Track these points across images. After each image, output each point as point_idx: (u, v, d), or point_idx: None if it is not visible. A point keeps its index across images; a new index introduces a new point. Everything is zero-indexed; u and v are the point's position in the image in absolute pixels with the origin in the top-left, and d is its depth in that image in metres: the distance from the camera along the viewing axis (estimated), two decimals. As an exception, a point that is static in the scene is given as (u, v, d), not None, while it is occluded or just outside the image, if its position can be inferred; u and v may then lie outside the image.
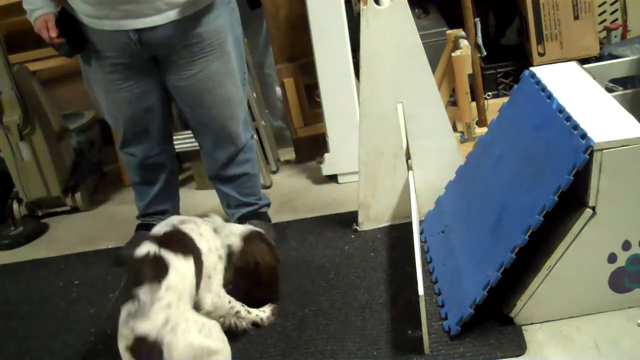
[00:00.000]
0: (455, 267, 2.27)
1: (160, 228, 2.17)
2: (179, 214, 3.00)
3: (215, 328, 2.02)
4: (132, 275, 2.02)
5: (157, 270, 1.98)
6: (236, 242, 2.29)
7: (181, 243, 2.09)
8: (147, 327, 1.88)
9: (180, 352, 1.89)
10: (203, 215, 2.32)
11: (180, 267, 2.02)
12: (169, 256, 2.02)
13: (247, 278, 2.29)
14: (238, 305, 2.25)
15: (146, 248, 2.04)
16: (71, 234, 3.33)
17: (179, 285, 1.98)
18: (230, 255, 2.27)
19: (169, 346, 1.87)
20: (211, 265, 2.17)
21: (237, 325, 2.25)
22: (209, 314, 2.14)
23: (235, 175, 2.78)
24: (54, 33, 2.48)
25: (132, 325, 1.89)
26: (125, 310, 1.92)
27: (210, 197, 3.14)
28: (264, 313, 2.31)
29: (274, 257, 2.37)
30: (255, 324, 2.29)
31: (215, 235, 2.25)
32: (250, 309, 2.29)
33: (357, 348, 2.12)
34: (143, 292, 1.92)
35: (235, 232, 2.32)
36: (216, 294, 2.18)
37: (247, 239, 2.31)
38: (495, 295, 2.04)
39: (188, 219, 2.23)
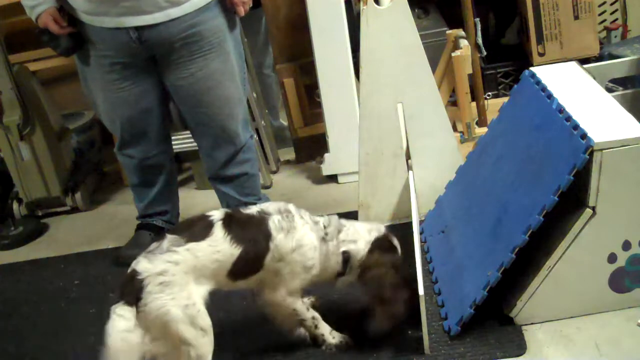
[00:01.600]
0: (455, 267, 2.27)
1: (249, 210, 2.02)
2: (178, 214, 3.00)
3: (201, 319, 1.86)
4: (182, 223, 1.96)
5: (198, 232, 1.91)
6: (357, 250, 2.06)
7: (243, 231, 1.95)
8: (145, 266, 1.84)
9: (151, 309, 1.80)
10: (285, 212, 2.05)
11: (218, 243, 1.91)
12: (219, 231, 1.91)
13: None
14: (306, 315, 2.08)
15: (215, 213, 1.97)
16: (71, 234, 3.33)
17: (203, 258, 1.88)
18: (347, 261, 2.06)
19: (147, 295, 1.80)
20: (283, 268, 1.99)
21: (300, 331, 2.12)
22: (264, 307, 2.04)
23: (235, 175, 2.77)
24: (63, 22, 2.47)
25: (139, 259, 1.87)
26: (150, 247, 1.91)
27: (210, 197, 3.13)
28: (332, 339, 2.10)
29: (395, 278, 2.05)
30: (314, 340, 2.12)
31: (315, 244, 2.02)
32: (321, 325, 2.09)
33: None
34: (169, 239, 1.89)
35: (359, 239, 2.07)
36: (281, 296, 2.02)
37: (371, 251, 2.07)
38: (495, 295, 2.04)
39: (295, 214, 2.02)
